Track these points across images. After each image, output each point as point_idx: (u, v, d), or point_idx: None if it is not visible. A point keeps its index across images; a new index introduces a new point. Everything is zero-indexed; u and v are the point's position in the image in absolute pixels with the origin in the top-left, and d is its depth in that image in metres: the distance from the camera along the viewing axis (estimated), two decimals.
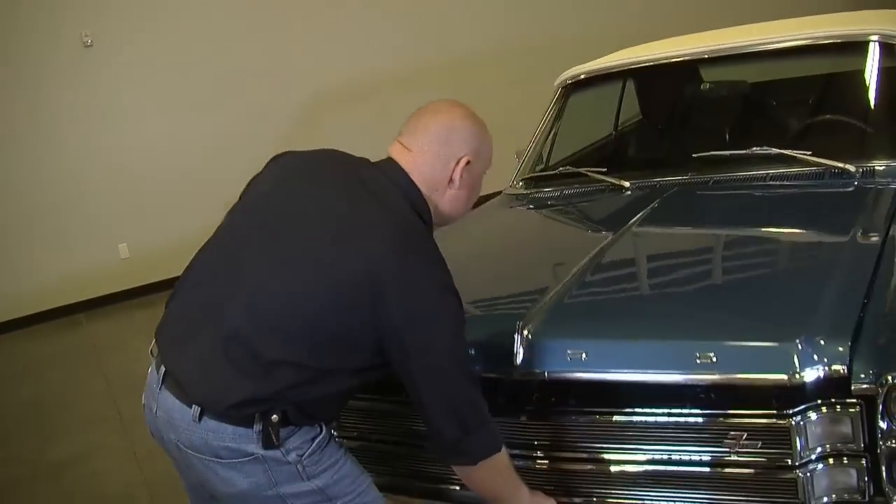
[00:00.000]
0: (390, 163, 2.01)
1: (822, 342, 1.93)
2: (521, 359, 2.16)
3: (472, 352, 2.14)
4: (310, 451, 1.94)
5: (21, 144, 7.32)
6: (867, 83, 3.18)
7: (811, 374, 1.90)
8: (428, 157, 1.99)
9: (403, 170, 1.99)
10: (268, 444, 1.87)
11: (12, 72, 7.24)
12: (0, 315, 7.40)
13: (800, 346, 1.92)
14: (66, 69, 7.38)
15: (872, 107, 3.18)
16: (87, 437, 4.98)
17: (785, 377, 1.92)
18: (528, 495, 2.08)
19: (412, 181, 1.98)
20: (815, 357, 1.91)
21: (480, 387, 1.96)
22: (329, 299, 1.85)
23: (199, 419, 1.88)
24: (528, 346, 2.16)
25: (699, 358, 1.99)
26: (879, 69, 3.17)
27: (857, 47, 3.22)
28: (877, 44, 3.17)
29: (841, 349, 1.91)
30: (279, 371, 1.86)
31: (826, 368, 1.90)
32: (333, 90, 7.82)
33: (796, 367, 1.91)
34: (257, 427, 1.86)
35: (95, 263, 7.58)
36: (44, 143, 7.37)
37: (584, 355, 2.12)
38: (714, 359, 1.98)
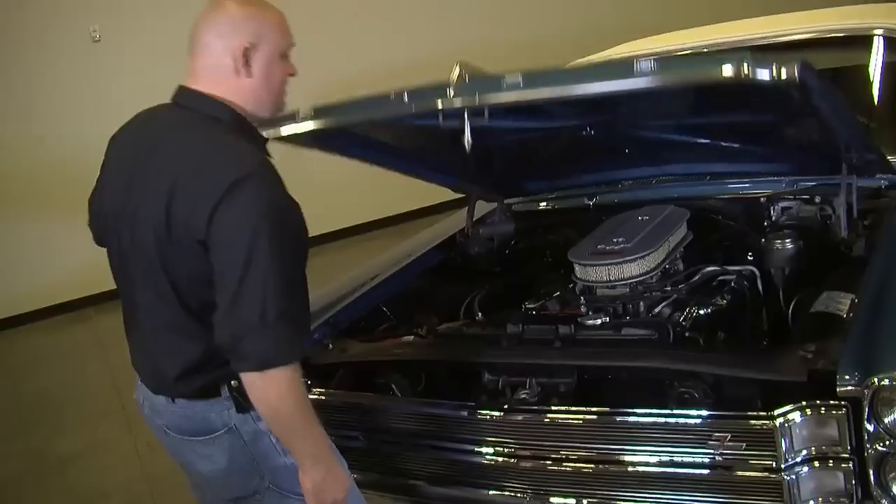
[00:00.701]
0: (180, 90, 1.97)
1: (774, 63, 1.83)
2: (455, 90, 2.08)
3: (405, 98, 2.08)
4: None
5: (30, 139, 7.34)
6: (871, 78, 3.11)
7: (763, 74, 1.81)
8: (205, 61, 1.93)
9: (192, 89, 1.94)
10: (239, 406, 1.93)
11: (22, 66, 7.26)
12: (10, 309, 7.43)
13: (751, 57, 1.82)
14: (74, 63, 7.39)
15: (876, 102, 3.11)
16: (92, 431, 5.00)
17: (733, 73, 1.81)
18: (326, 446, 1.94)
19: (203, 94, 1.93)
20: (766, 64, 1.81)
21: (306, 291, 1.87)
22: (173, 247, 1.86)
23: (173, 401, 2.00)
24: (464, 79, 2.09)
25: (638, 65, 1.89)
26: (884, 64, 3.10)
27: (861, 41, 3.16)
28: (881, 38, 3.10)
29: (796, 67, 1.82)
30: (194, 331, 1.89)
31: (777, 74, 1.81)
32: (334, 88, 7.80)
33: (747, 69, 1.80)
34: (224, 393, 1.93)
35: (105, 258, 7.59)
36: (52, 137, 7.38)
37: (520, 80, 2.04)
38: (653, 67, 1.88)
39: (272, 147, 2.11)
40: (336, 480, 1.93)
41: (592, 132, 2.72)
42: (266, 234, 1.76)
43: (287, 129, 2.43)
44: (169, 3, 7.53)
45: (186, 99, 1.95)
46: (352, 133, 2.80)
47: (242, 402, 1.91)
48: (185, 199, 1.82)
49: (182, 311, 1.91)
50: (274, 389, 1.81)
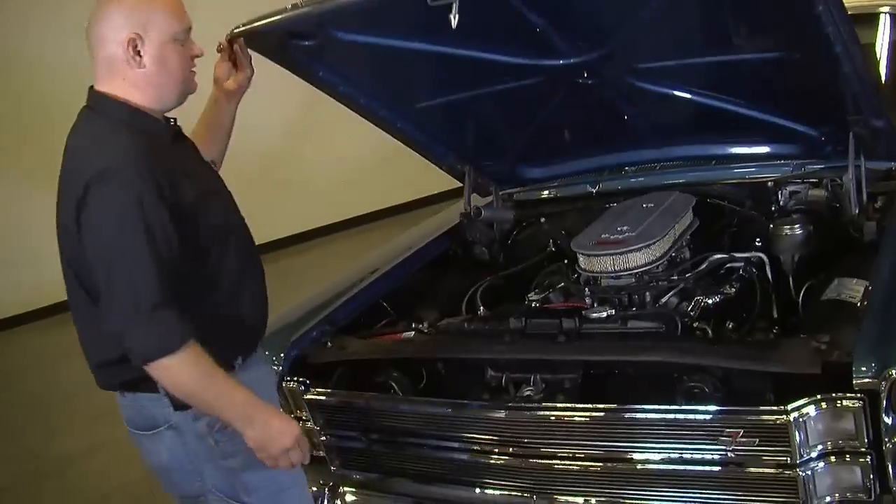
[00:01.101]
0: (88, 91, 1.99)
1: None
2: None
3: None
4: (222, 423, 1.95)
5: (26, 140, 7.29)
6: (878, 57, 3.04)
7: None
8: (101, 55, 1.94)
9: (95, 90, 1.97)
10: (176, 403, 1.94)
11: (18, 63, 7.20)
12: (11, 309, 7.40)
13: None
14: (70, 59, 7.33)
15: (883, 81, 3.04)
16: (92, 431, 4.94)
17: None
18: (253, 404, 1.92)
19: (101, 94, 1.95)
20: None
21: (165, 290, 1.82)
22: (69, 246, 1.93)
23: (123, 394, 2.03)
24: None
25: None
26: (891, 42, 3.04)
27: (867, 20, 3.08)
28: (888, 16, 3.04)
29: None
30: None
31: None
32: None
33: None
34: (161, 389, 1.93)
35: None
36: (47, 137, 7.34)
37: None
38: None
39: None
40: (278, 432, 1.93)
41: (589, 80, 2.62)
42: (127, 230, 1.79)
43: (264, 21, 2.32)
44: None
45: (91, 100, 1.98)
46: (351, 71, 2.69)
47: (175, 400, 1.93)
48: (63, 201, 1.89)
49: (95, 306, 1.91)
50: (167, 377, 1.85)
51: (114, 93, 1.94)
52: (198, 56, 2.02)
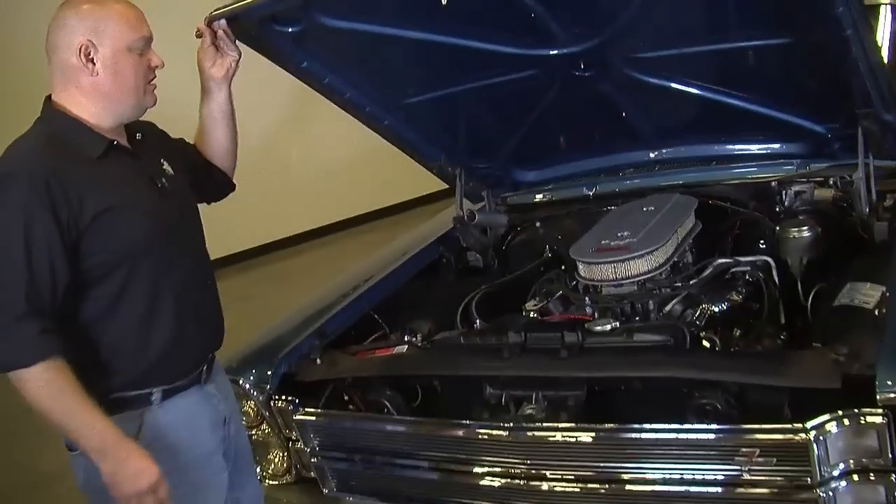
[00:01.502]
0: (44, 101, 1.98)
1: None
2: None
3: None
4: None
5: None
6: (878, 48, 2.96)
7: None
8: (55, 62, 1.93)
9: (49, 99, 1.96)
10: None
11: (16, 66, 7.11)
12: None
13: None
14: None
15: None
16: None
17: None
18: (110, 440, 1.84)
19: (49, 103, 1.95)
20: None
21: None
22: None
23: None
24: None
25: None
26: (892, 34, 2.97)
27: (868, 11, 3.00)
28: (889, 6, 2.95)
29: None
30: None
31: None
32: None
33: None
34: None
35: None
36: None
37: None
38: None
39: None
40: (132, 472, 1.86)
41: (586, 72, 2.53)
42: (6, 237, 1.78)
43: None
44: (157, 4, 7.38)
45: (42, 110, 1.96)
46: (337, 62, 2.56)
47: None
48: None
49: None
50: (23, 390, 1.80)
51: (64, 103, 1.93)
52: (157, 67, 1.98)
